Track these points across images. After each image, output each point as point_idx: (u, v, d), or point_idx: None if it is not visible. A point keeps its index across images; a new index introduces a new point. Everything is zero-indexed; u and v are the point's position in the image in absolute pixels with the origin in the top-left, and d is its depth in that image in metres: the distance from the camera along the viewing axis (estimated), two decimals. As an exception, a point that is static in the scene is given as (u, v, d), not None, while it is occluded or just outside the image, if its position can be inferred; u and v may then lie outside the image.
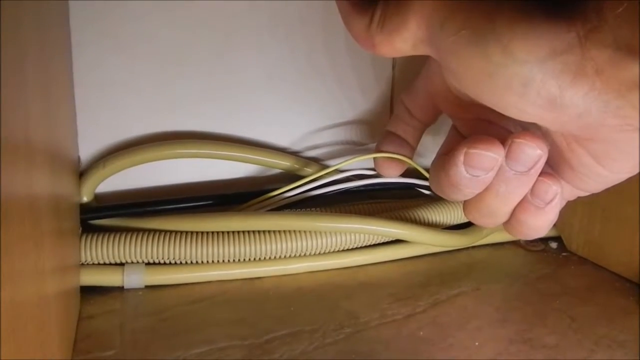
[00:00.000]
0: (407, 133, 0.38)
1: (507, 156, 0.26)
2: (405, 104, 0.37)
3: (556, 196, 0.27)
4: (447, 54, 0.24)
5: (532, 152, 0.25)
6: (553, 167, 0.27)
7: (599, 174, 0.26)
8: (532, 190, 0.27)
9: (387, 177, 0.40)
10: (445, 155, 0.28)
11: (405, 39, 0.26)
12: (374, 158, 0.39)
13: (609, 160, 0.25)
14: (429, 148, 0.43)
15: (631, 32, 0.20)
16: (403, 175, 0.40)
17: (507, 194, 0.27)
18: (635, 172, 0.26)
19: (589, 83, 0.22)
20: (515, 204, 0.28)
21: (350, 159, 0.40)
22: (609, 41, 0.21)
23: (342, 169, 0.42)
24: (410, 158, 0.38)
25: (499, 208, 0.28)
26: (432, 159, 0.30)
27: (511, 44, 0.22)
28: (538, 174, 0.26)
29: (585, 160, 0.25)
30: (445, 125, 0.34)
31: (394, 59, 0.44)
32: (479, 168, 0.26)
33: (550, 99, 0.22)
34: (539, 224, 0.28)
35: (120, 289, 0.37)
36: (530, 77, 0.22)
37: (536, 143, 0.25)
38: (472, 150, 0.26)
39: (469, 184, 0.27)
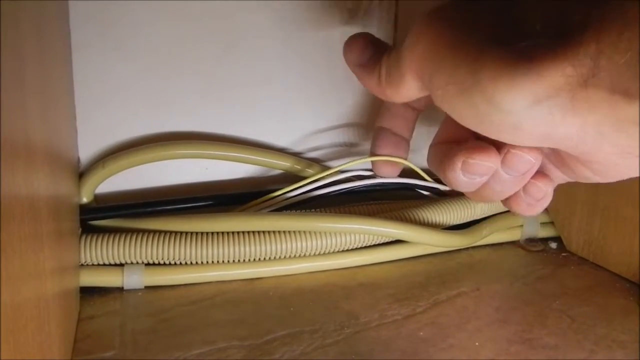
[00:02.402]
0: (400, 127, 0.37)
1: (502, 163, 0.27)
2: None
3: (546, 195, 0.29)
4: (439, 103, 0.26)
5: (527, 161, 0.26)
6: (551, 162, 0.28)
7: (597, 180, 0.27)
8: (525, 189, 0.28)
9: (385, 178, 0.40)
10: (444, 155, 0.29)
11: (410, 88, 0.27)
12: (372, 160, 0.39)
13: (608, 175, 0.25)
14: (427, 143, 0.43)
15: (632, 78, 0.20)
16: (401, 175, 0.40)
17: (501, 191, 0.28)
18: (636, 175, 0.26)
19: (581, 119, 0.22)
20: (508, 195, 0.29)
21: (350, 161, 0.40)
22: (604, 84, 0.21)
23: (342, 169, 0.42)
24: (407, 152, 0.38)
25: (493, 198, 0.29)
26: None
27: (495, 96, 0.22)
28: (532, 175, 0.28)
29: (585, 173, 0.26)
30: (437, 113, 0.34)
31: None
32: (476, 174, 0.27)
33: (544, 135, 0.23)
34: (530, 213, 0.30)
35: (120, 289, 0.37)
36: (519, 122, 0.23)
37: (531, 153, 0.26)
38: (471, 161, 0.27)
39: (466, 184, 0.28)
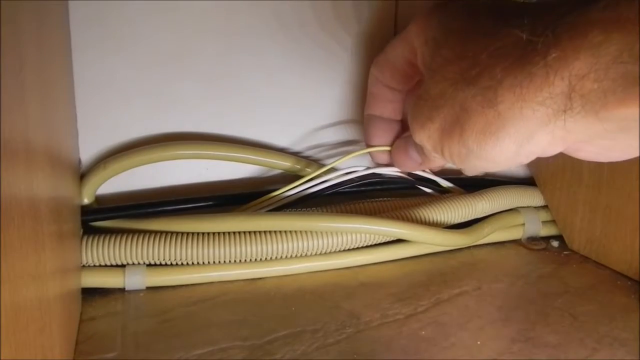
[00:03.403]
0: (389, 111, 0.38)
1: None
2: (381, 79, 0.37)
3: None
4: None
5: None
6: None
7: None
8: None
9: (383, 166, 0.41)
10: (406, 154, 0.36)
11: (437, 159, 0.33)
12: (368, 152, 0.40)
13: (604, 158, 0.27)
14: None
15: (602, 103, 0.22)
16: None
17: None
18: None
19: (563, 143, 0.25)
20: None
21: (345, 156, 0.40)
22: (582, 110, 0.23)
23: (340, 167, 0.42)
24: (401, 133, 0.39)
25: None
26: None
27: (482, 154, 0.26)
28: None
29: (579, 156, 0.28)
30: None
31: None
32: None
33: (532, 159, 0.27)
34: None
35: (122, 290, 0.37)
36: (505, 164, 0.27)
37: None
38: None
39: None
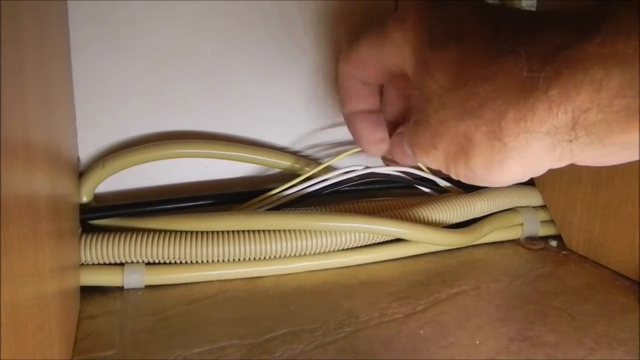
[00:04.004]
0: (371, 104, 0.37)
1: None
2: (356, 75, 0.36)
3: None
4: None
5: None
6: None
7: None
8: None
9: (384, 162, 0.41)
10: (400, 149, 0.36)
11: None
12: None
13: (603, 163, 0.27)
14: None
15: (607, 132, 0.22)
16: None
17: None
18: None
19: (568, 162, 0.25)
20: None
21: (342, 154, 0.40)
22: (587, 138, 0.23)
23: (338, 166, 0.42)
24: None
25: None
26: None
27: (488, 179, 0.27)
28: None
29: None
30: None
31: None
32: None
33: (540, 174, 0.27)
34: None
35: (120, 288, 0.37)
36: (511, 183, 0.27)
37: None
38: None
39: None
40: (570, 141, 0.23)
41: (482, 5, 0.28)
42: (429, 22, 0.29)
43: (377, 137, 0.37)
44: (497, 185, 0.28)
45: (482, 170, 0.26)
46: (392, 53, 0.31)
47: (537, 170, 0.26)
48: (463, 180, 0.28)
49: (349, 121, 0.37)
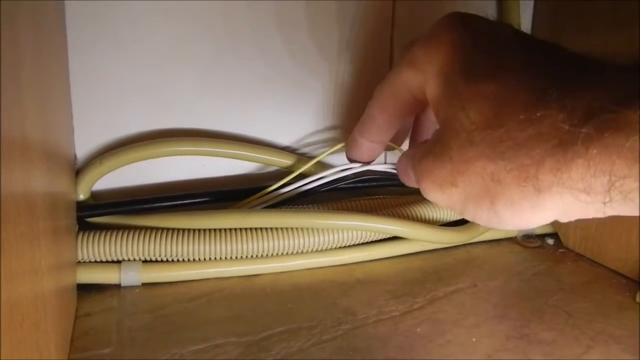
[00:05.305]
0: (387, 138, 0.36)
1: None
2: (386, 109, 0.33)
3: None
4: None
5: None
6: None
7: None
8: None
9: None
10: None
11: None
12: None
13: None
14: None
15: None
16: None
17: None
18: None
19: (599, 216, 0.24)
20: None
21: (333, 147, 0.40)
22: (620, 206, 0.22)
23: (335, 163, 0.42)
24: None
25: None
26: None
27: (514, 223, 0.25)
28: None
29: None
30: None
31: (390, 60, 0.44)
32: None
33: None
34: None
35: (117, 286, 0.37)
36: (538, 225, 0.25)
37: None
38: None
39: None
40: (605, 203, 0.22)
41: (521, 34, 0.26)
42: (464, 44, 0.26)
43: (372, 157, 0.37)
44: (519, 229, 0.27)
45: (509, 215, 0.25)
46: (414, 74, 0.29)
47: (564, 219, 0.25)
48: (480, 222, 0.27)
49: (355, 144, 0.37)
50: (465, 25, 0.27)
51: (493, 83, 0.25)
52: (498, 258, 0.43)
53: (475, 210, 0.26)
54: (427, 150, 0.27)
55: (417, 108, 0.32)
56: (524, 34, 0.27)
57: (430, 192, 0.28)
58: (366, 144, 0.36)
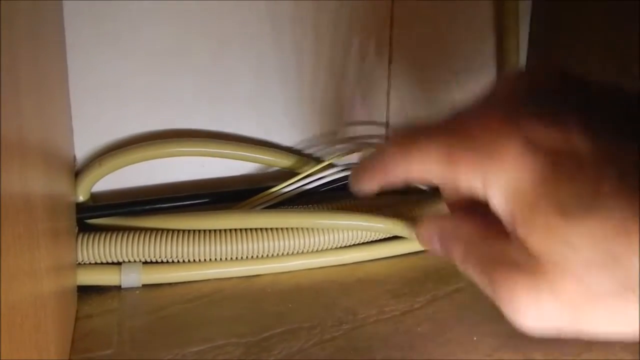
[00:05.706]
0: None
1: None
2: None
3: None
4: None
5: None
6: None
7: None
8: None
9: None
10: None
11: None
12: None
13: None
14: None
15: None
16: None
17: None
18: None
19: None
20: None
21: (342, 153, 0.40)
22: None
23: (336, 163, 0.42)
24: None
25: None
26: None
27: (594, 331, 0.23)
28: None
29: None
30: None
31: (389, 59, 0.44)
32: None
33: None
34: None
35: (118, 288, 0.37)
36: None
37: None
38: None
39: None
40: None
41: (591, 128, 0.21)
42: (540, 170, 0.21)
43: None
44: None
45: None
46: (467, 176, 0.23)
47: None
48: (578, 334, 0.24)
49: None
50: (538, 146, 0.22)
51: (595, 221, 0.21)
52: (498, 257, 0.43)
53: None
54: (523, 283, 0.24)
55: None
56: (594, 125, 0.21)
57: (531, 325, 0.24)
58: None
